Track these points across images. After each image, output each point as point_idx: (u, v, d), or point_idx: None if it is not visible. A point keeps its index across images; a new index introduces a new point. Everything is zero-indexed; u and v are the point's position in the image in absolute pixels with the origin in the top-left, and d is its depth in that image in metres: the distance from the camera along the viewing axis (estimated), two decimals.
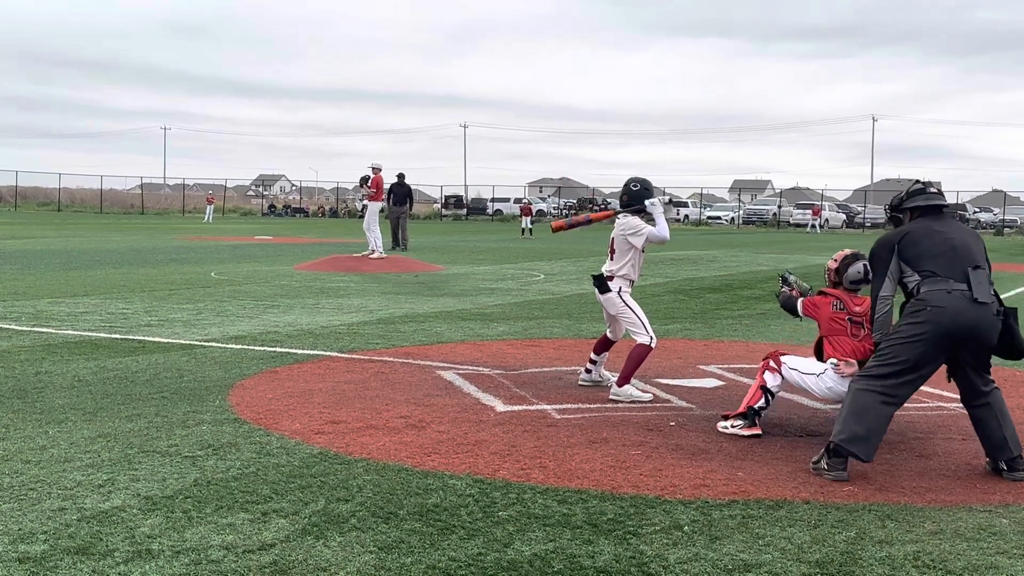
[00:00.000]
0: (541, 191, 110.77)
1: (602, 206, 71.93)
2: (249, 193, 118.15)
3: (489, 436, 6.09)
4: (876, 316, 5.70)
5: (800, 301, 6.69)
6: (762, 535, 4.41)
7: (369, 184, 23.67)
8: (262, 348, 9.33)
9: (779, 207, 70.97)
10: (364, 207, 23.47)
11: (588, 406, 7.08)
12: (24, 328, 10.37)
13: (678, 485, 5.14)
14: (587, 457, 5.66)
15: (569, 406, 7.05)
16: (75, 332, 10.17)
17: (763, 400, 6.33)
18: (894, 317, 5.73)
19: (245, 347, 9.38)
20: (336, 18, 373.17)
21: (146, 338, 9.79)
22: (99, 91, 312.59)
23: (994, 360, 5.64)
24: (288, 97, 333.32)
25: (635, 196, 7.55)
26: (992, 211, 71.30)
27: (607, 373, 7.90)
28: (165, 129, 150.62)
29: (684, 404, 7.23)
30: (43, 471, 5.13)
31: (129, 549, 4.05)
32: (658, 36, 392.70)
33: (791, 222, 66.78)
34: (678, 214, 69.66)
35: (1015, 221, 64.86)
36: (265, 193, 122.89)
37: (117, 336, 9.92)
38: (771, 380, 6.37)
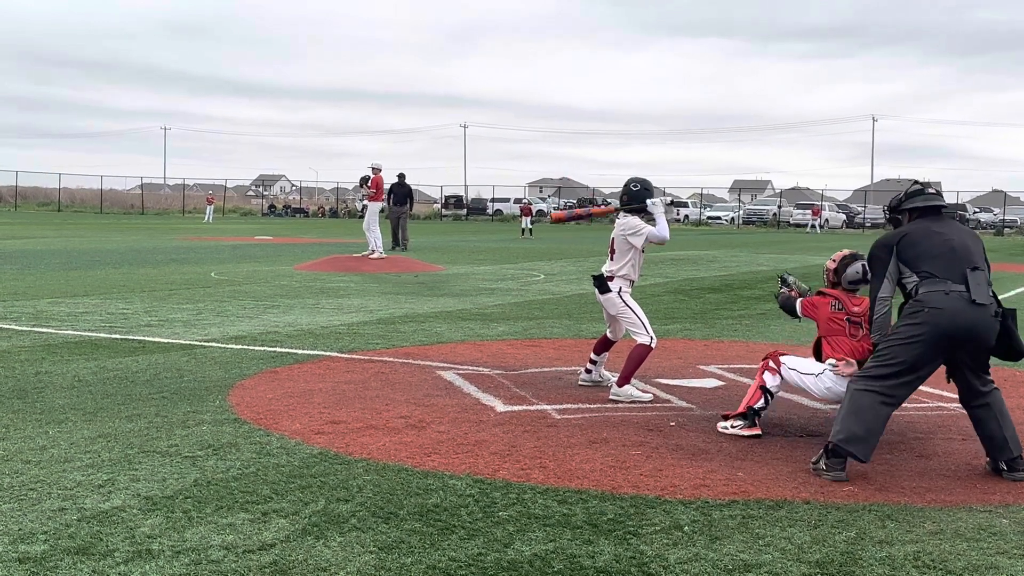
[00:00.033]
0: (541, 191, 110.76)
1: (603, 206, 71.86)
2: (249, 193, 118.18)
3: (489, 436, 6.09)
4: (874, 317, 5.70)
5: (799, 301, 6.69)
6: (762, 535, 4.41)
7: (369, 184, 23.68)
8: (262, 348, 9.33)
9: (779, 207, 70.98)
10: (364, 207, 23.46)
11: (588, 406, 7.08)
12: (24, 328, 10.37)
13: (678, 485, 5.14)
14: (587, 457, 5.66)
15: (569, 406, 7.05)
16: (75, 332, 10.17)
17: (762, 400, 6.33)
18: (893, 318, 5.73)
19: (245, 347, 9.38)
20: (336, 18, 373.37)
21: (146, 338, 9.80)
22: (99, 91, 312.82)
23: (993, 360, 5.64)
24: (288, 97, 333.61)
25: (635, 196, 7.55)
26: (992, 211, 71.30)
27: (607, 373, 7.90)
28: (165, 129, 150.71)
29: (684, 404, 7.23)
30: (43, 471, 5.13)
31: (129, 549, 4.05)
32: (658, 36, 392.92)
33: (791, 222, 66.79)
34: (678, 214, 69.66)
35: (1015, 221, 64.87)
36: (265, 193, 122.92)
37: (117, 336, 9.92)
38: (770, 380, 6.37)
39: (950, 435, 6.48)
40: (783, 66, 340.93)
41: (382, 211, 24.47)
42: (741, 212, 73.34)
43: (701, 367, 8.85)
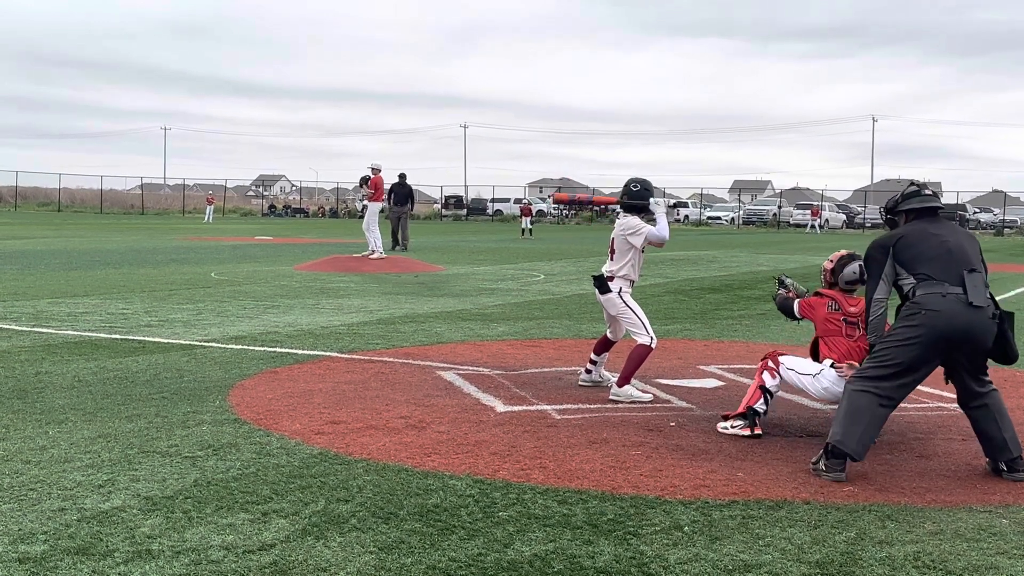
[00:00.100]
0: (541, 191, 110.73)
1: (602, 207, 71.85)
2: (249, 193, 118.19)
3: (489, 436, 6.09)
4: (870, 319, 5.70)
5: (796, 302, 6.71)
6: (762, 535, 4.41)
7: (368, 185, 23.68)
8: (262, 348, 9.33)
9: (779, 207, 70.99)
10: (364, 207, 23.46)
11: (588, 406, 7.08)
12: (24, 328, 10.37)
13: (678, 485, 5.14)
14: (587, 457, 5.66)
15: (569, 406, 7.05)
16: (75, 332, 10.17)
17: (762, 400, 6.34)
18: (889, 319, 5.74)
19: (245, 347, 9.38)
20: (336, 18, 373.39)
21: (146, 338, 9.79)
22: (99, 91, 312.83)
23: (992, 361, 5.64)
24: (288, 97, 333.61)
25: (635, 196, 7.55)
26: (992, 211, 71.30)
27: (607, 373, 7.90)
28: (165, 129, 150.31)
29: (684, 404, 7.23)
30: (43, 471, 5.13)
31: (129, 549, 4.05)
32: (658, 36, 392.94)
33: (791, 222, 66.80)
34: (678, 214, 69.69)
35: (1015, 221, 64.87)
36: (265, 193, 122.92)
37: (117, 336, 9.92)
38: (769, 380, 6.38)
39: (950, 435, 6.48)
40: (783, 66, 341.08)
41: (382, 211, 24.46)
42: (741, 212, 73.34)
43: (701, 367, 8.85)
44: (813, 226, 61.59)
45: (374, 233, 22.01)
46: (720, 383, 8.11)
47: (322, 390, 7.40)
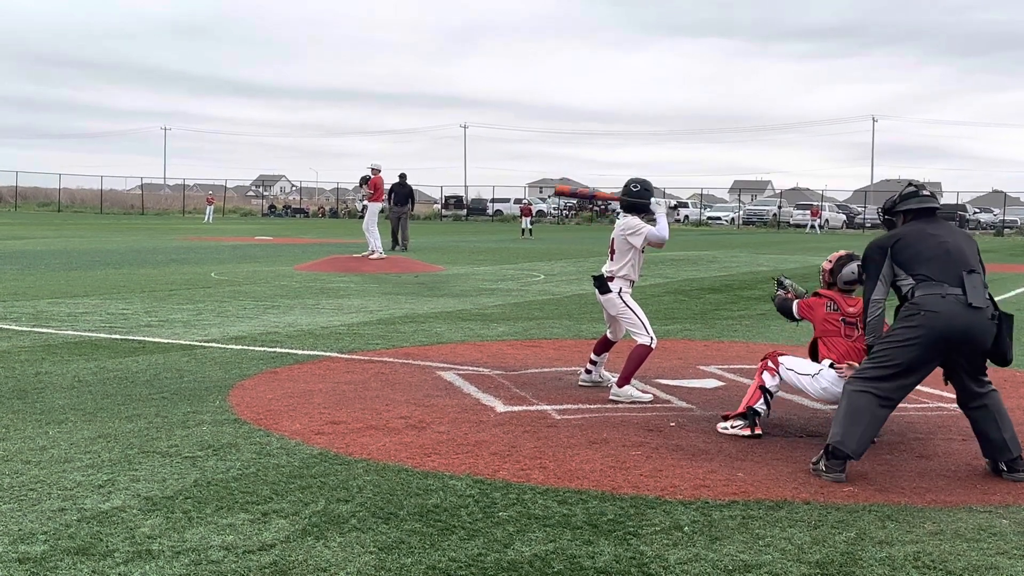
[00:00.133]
0: (541, 191, 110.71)
1: (603, 206, 71.92)
2: (249, 193, 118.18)
3: (489, 437, 6.09)
4: (868, 320, 5.70)
5: (795, 303, 6.72)
6: (762, 536, 4.41)
7: (368, 185, 23.68)
8: (262, 348, 9.33)
9: (779, 208, 70.99)
10: (364, 208, 23.47)
11: (588, 407, 7.08)
12: (24, 328, 10.37)
13: (678, 486, 5.14)
14: (587, 458, 5.66)
15: (569, 407, 7.05)
16: (75, 332, 10.17)
17: (762, 400, 6.34)
18: (888, 320, 5.74)
19: (245, 347, 9.38)
20: (336, 18, 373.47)
21: (146, 338, 9.79)
22: (99, 91, 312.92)
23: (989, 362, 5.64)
24: (288, 97, 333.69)
25: (635, 197, 7.55)
26: (992, 212, 71.31)
27: (607, 374, 7.90)
28: (165, 129, 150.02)
29: (684, 405, 7.23)
30: (43, 471, 5.13)
31: (129, 549, 4.05)
32: (658, 36, 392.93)
33: (791, 223, 66.82)
34: (678, 214, 69.70)
35: (1015, 222, 64.88)
36: (265, 194, 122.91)
37: (117, 336, 9.92)
38: (769, 380, 6.38)
39: (950, 436, 6.48)
40: (783, 66, 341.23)
41: (382, 211, 24.45)
42: (741, 212, 73.35)
43: (701, 367, 8.85)
44: (813, 226, 61.60)
45: (374, 233, 22.02)
46: (720, 383, 8.11)
47: (322, 390, 7.40)
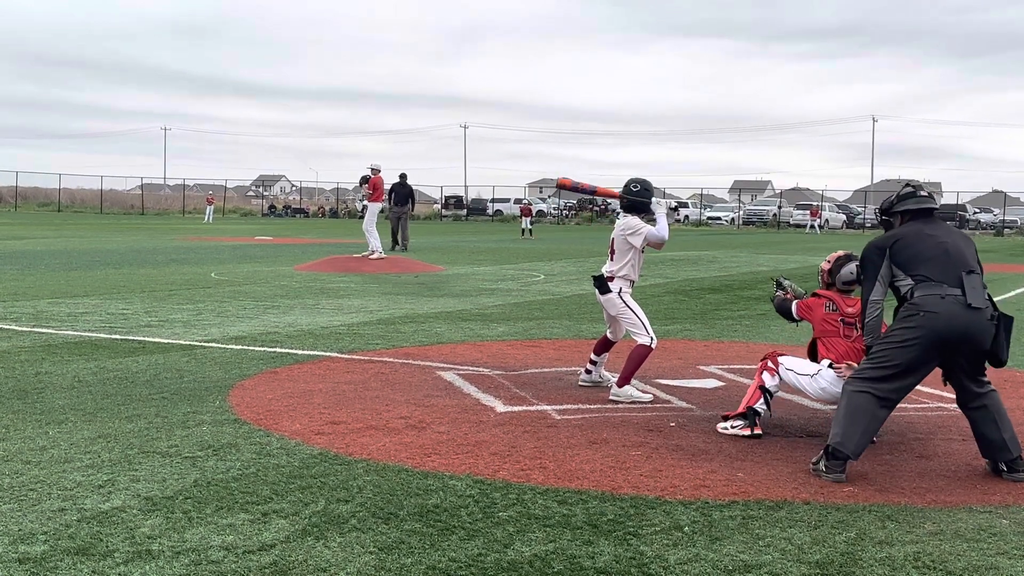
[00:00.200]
0: (541, 191, 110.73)
1: (603, 206, 71.93)
2: (249, 194, 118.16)
3: (489, 437, 6.09)
4: (867, 320, 5.70)
5: (794, 304, 6.73)
6: (762, 536, 4.41)
7: (368, 185, 23.68)
8: (262, 348, 9.33)
9: (779, 208, 71.00)
10: (364, 208, 23.46)
11: (588, 407, 7.08)
12: (24, 328, 10.37)
13: (678, 486, 5.14)
14: (587, 458, 5.66)
15: (569, 407, 7.05)
16: (75, 333, 10.17)
17: (762, 400, 6.34)
18: (887, 320, 5.73)
19: (245, 347, 9.38)
20: (336, 18, 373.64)
21: (146, 339, 9.79)
22: (99, 91, 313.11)
23: None
24: (288, 97, 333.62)
25: (635, 196, 7.55)
26: (992, 212, 71.31)
27: (607, 374, 7.90)
28: (165, 129, 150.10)
29: (684, 405, 7.23)
30: (43, 472, 5.13)
31: (129, 550, 4.05)
32: (658, 36, 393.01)
33: (791, 223, 66.83)
34: (678, 214, 69.69)
35: (1015, 222, 64.88)
36: (265, 194, 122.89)
37: (117, 337, 9.92)
38: (769, 380, 6.39)
39: (950, 436, 6.48)
40: (783, 66, 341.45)
41: (382, 211, 24.45)
42: (741, 213, 73.36)
43: (701, 367, 8.85)
44: (812, 226, 61.61)
45: (373, 234, 22.01)
46: (720, 383, 8.11)
47: (322, 390, 7.40)
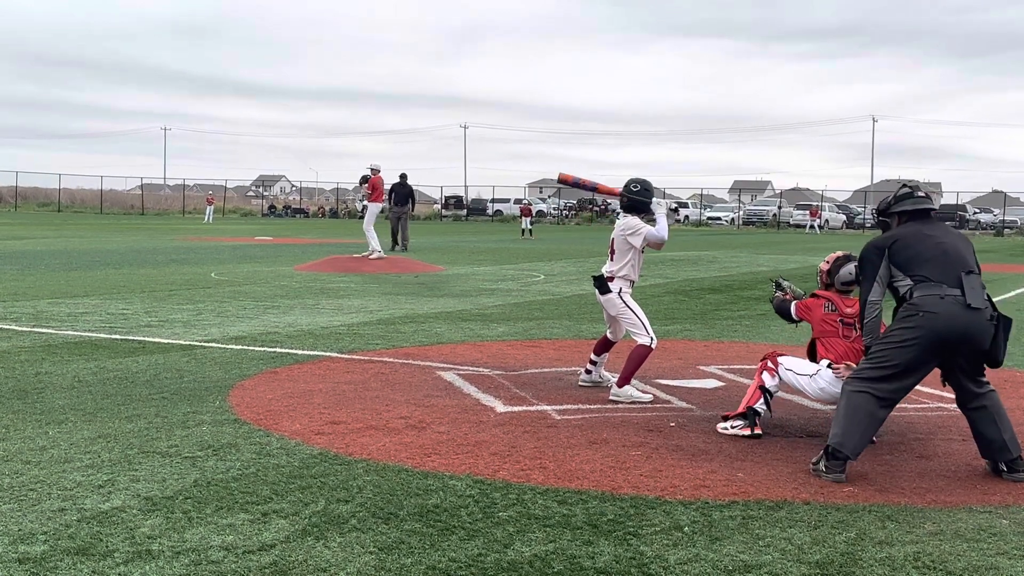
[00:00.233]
0: (541, 192, 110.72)
1: (603, 206, 71.94)
2: (249, 194, 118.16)
3: (489, 437, 6.09)
4: (866, 321, 5.70)
5: (793, 304, 6.73)
6: (762, 536, 4.41)
7: (367, 185, 23.67)
8: (262, 349, 9.33)
9: (779, 208, 71.00)
10: (364, 208, 23.46)
11: (588, 407, 7.08)
12: (24, 328, 10.37)
13: (678, 486, 5.14)
14: (587, 458, 5.66)
15: (569, 407, 7.05)
16: (75, 333, 10.17)
17: (762, 400, 6.34)
18: (886, 320, 5.74)
19: (245, 348, 9.38)
20: (336, 18, 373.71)
21: (146, 339, 9.79)
22: (99, 91, 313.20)
23: None
24: (288, 97, 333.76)
25: (635, 196, 7.55)
26: (992, 212, 71.32)
27: (607, 374, 7.90)
28: (165, 130, 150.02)
29: (684, 405, 7.23)
30: (43, 472, 5.13)
31: (129, 550, 4.05)
32: (658, 36, 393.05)
33: (791, 223, 66.85)
34: (679, 215, 69.69)
35: (1015, 222, 64.89)
36: (265, 194, 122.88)
37: (117, 337, 9.92)
38: (769, 380, 6.39)
39: (950, 436, 6.48)
40: (783, 66, 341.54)
41: (382, 212, 24.43)
42: (741, 213, 73.36)
43: (701, 368, 8.85)
44: (812, 226, 61.61)
45: (372, 234, 22.01)
46: (720, 383, 8.11)
47: (322, 390, 7.40)
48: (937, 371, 5.66)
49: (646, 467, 5.50)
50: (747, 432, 6.26)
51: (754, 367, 7.00)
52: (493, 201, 78.36)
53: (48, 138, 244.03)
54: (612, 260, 7.55)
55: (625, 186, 7.64)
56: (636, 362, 7.28)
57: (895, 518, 4.73)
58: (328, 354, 9.10)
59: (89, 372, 7.95)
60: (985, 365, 5.59)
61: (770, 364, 6.43)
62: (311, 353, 9.12)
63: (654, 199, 7.55)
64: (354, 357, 9.00)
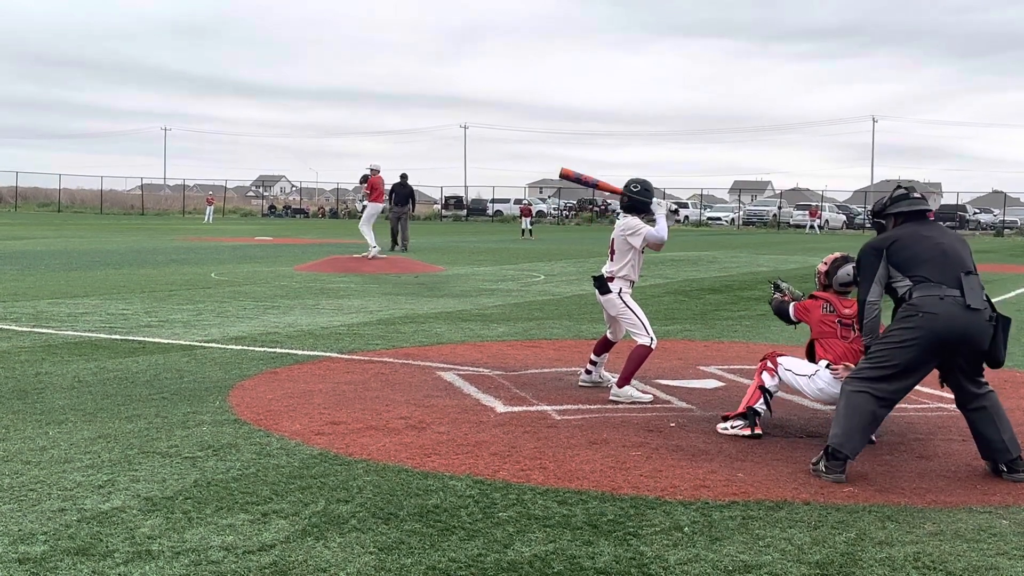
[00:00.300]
0: (541, 192, 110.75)
1: (603, 206, 71.94)
2: (249, 194, 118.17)
3: (489, 437, 6.09)
4: (865, 321, 5.70)
5: (792, 305, 6.74)
6: (762, 536, 4.41)
7: (366, 185, 23.66)
8: (262, 349, 9.33)
9: (779, 208, 71.01)
10: (364, 208, 23.46)
11: (588, 407, 7.08)
12: (24, 329, 10.37)
13: (678, 486, 5.14)
14: (587, 458, 5.66)
15: (569, 407, 7.05)
16: (75, 333, 10.17)
17: (762, 400, 6.34)
18: (884, 321, 5.74)
19: (245, 348, 9.38)
20: (336, 18, 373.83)
21: (146, 339, 9.79)
22: (99, 91, 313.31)
23: None
24: (288, 97, 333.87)
25: (635, 196, 7.55)
26: (992, 212, 71.33)
27: (607, 374, 7.90)
28: (165, 130, 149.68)
29: (684, 405, 7.23)
30: (43, 472, 5.13)
31: (129, 550, 4.05)
32: (658, 36, 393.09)
33: (791, 223, 66.86)
34: (679, 215, 69.69)
35: (1015, 222, 64.90)
36: (265, 194, 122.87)
37: (117, 337, 9.92)
38: (768, 380, 6.39)
39: (950, 436, 6.48)
40: (783, 67, 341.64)
41: (382, 212, 24.41)
42: (741, 213, 73.37)
43: (701, 368, 8.85)
44: (812, 227, 61.61)
45: (368, 233, 21.97)
46: (720, 384, 8.11)
47: (322, 390, 7.40)
48: (936, 372, 5.66)
49: (646, 467, 5.50)
50: (747, 432, 6.26)
51: (754, 367, 7.00)
52: (493, 201, 78.36)
53: (48, 138, 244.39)
54: (612, 260, 7.55)
55: (625, 186, 7.64)
56: (636, 362, 7.28)
57: (895, 518, 4.73)
58: (328, 354, 9.10)
59: (89, 372, 7.95)
60: (986, 366, 5.59)
61: (770, 364, 6.43)
62: (311, 353, 9.12)
63: (654, 199, 7.55)
64: (354, 357, 9.00)
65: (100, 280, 16.45)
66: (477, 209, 78.61)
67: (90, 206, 77.34)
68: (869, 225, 63.74)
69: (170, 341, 9.68)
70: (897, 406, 5.68)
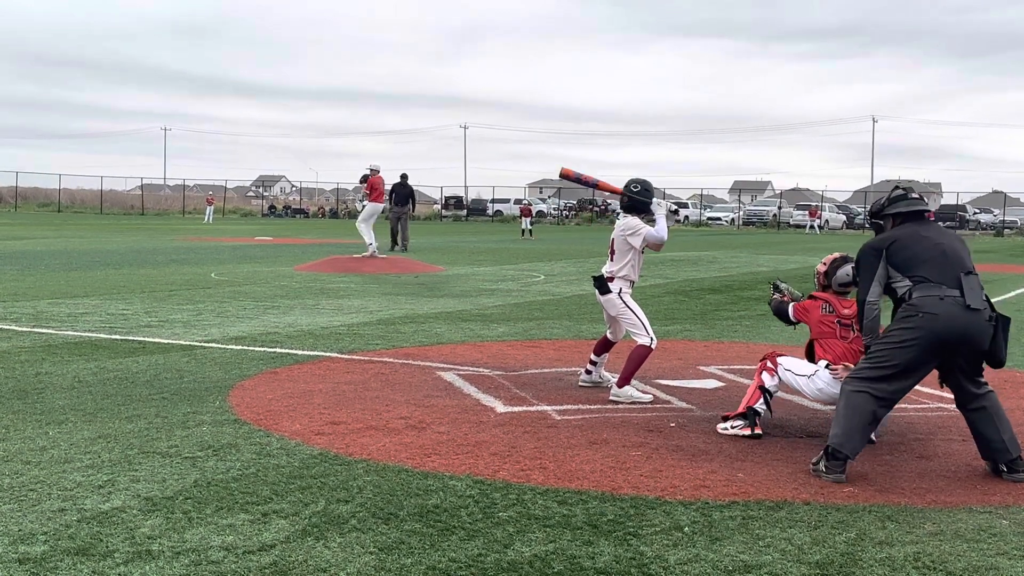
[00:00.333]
0: (541, 192, 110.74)
1: (603, 206, 71.93)
2: (249, 194, 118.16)
3: (489, 437, 6.09)
4: (865, 321, 5.70)
5: (791, 306, 6.74)
6: (762, 536, 4.41)
7: (366, 185, 23.66)
8: (262, 349, 9.33)
9: (779, 208, 71.02)
10: (364, 208, 23.45)
11: (588, 407, 7.08)
12: (24, 329, 10.37)
13: (678, 486, 5.14)
14: (587, 458, 5.66)
15: (569, 407, 7.05)
16: (75, 333, 10.17)
17: (761, 400, 6.35)
18: (884, 321, 5.74)
19: (245, 348, 9.38)
20: (336, 18, 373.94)
21: (146, 339, 9.79)
22: (99, 91, 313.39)
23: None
24: (288, 98, 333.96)
25: (635, 196, 7.55)
26: (992, 212, 71.34)
27: (607, 374, 7.90)
28: (165, 130, 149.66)
29: (684, 405, 7.23)
30: (43, 472, 5.13)
31: (129, 550, 4.05)
32: (658, 36, 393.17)
33: (791, 223, 66.86)
34: (679, 216, 69.68)
35: (1015, 222, 64.90)
36: (265, 194, 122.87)
37: (117, 337, 9.92)
38: (768, 380, 6.39)
39: (950, 436, 6.48)
40: (783, 66, 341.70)
41: (383, 212, 24.40)
42: (741, 213, 73.37)
43: (701, 368, 8.85)
44: (812, 227, 61.61)
45: (365, 232, 21.95)
46: (720, 384, 8.11)
47: (322, 390, 7.40)
48: (936, 372, 5.66)
49: (646, 467, 5.50)
50: (747, 432, 6.26)
51: (754, 367, 7.00)
52: (493, 201, 78.35)
53: (48, 138, 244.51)
54: (612, 260, 7.55)
55: (625, 186, 7.64)
56: (636, 362, 7.28)
57: (895, 518, 4.73)
58: (328, 354, 9.10)
59: (89, 372, 7.95)
60: (989, 366, 5.59)
61: (769, 364, 6.43)
62: (311, 353, 9.12)
63: (654, 200, 7.55)
64: (354, 357, 9.00)
65: (100, 280, 16.45)
66: (477, 209, 78.60)
67: (90, 206, 77.35)
68: (868, 225, 63.69)
69: (170, 341, 9.68)
70: (897, 406, 5.69)
